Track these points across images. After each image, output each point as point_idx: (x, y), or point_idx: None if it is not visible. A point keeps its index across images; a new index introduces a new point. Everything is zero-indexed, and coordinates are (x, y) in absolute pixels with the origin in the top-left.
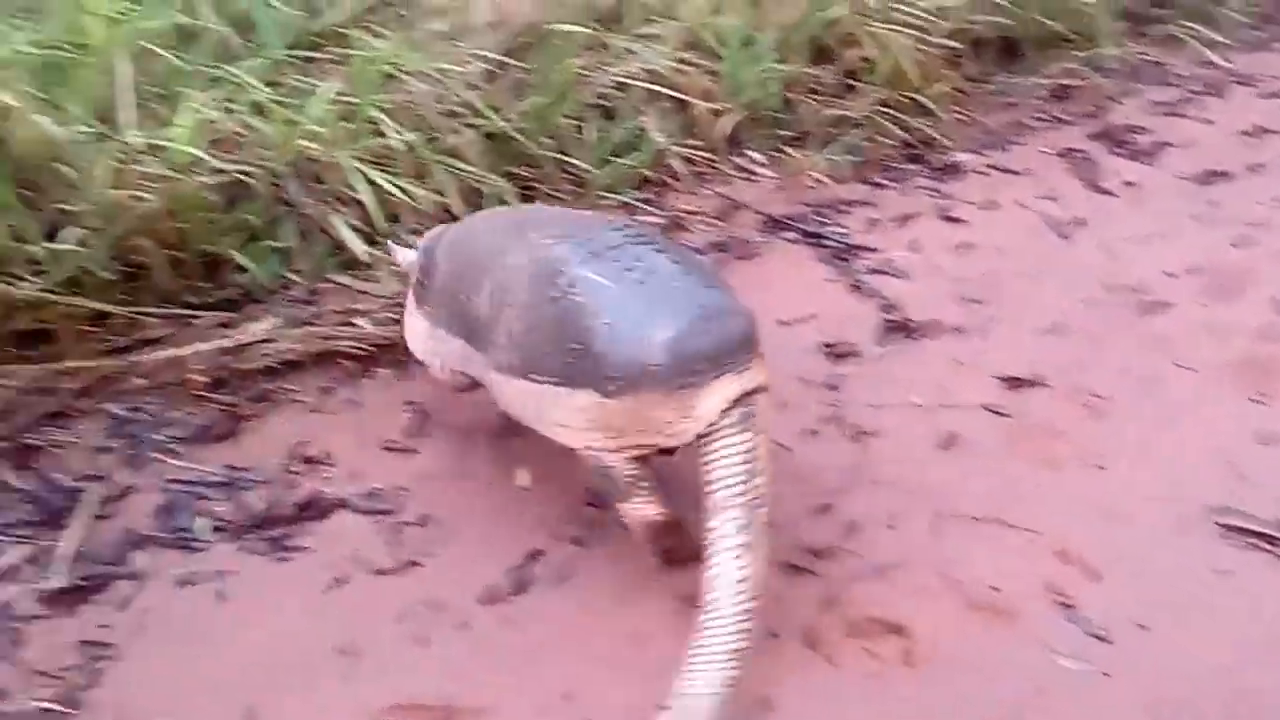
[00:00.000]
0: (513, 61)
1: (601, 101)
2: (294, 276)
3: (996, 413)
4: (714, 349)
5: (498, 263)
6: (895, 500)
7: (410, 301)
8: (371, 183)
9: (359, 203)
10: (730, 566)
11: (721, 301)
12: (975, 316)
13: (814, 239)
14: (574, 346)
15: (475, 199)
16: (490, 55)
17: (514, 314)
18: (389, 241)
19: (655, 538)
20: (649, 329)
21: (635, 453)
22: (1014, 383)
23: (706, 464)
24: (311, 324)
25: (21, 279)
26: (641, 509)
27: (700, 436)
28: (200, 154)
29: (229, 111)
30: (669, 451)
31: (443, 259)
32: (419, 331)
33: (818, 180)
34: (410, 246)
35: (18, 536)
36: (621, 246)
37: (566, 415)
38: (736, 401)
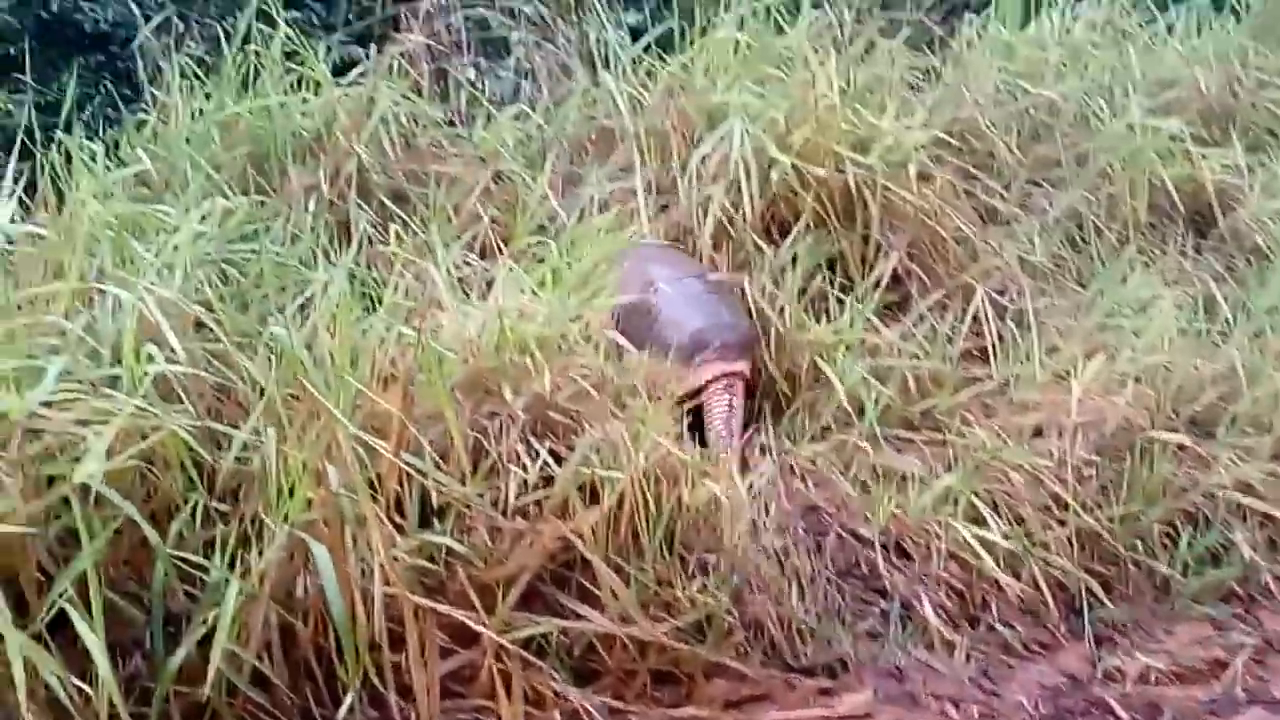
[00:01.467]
0: (1103, 461)
1: (1189, 508)
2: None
3: None
4: (716, 344)
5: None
6: None
7: None
8: (965, 568)
9: (948, 584)
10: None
11: (730, 319)
12: None
13: None
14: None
15: (1063, 593)
16: (1081, 454)
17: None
18: None
19: None
20: (684, 323)
21: None
22: None
23: (706, 412)
24: (912, 700)
25: (660, 620)
26: None
27: (698, 392)
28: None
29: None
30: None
31: None
32: None
33: None
34: None
35: None
36: (690, 279)
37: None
38: (722, 376)
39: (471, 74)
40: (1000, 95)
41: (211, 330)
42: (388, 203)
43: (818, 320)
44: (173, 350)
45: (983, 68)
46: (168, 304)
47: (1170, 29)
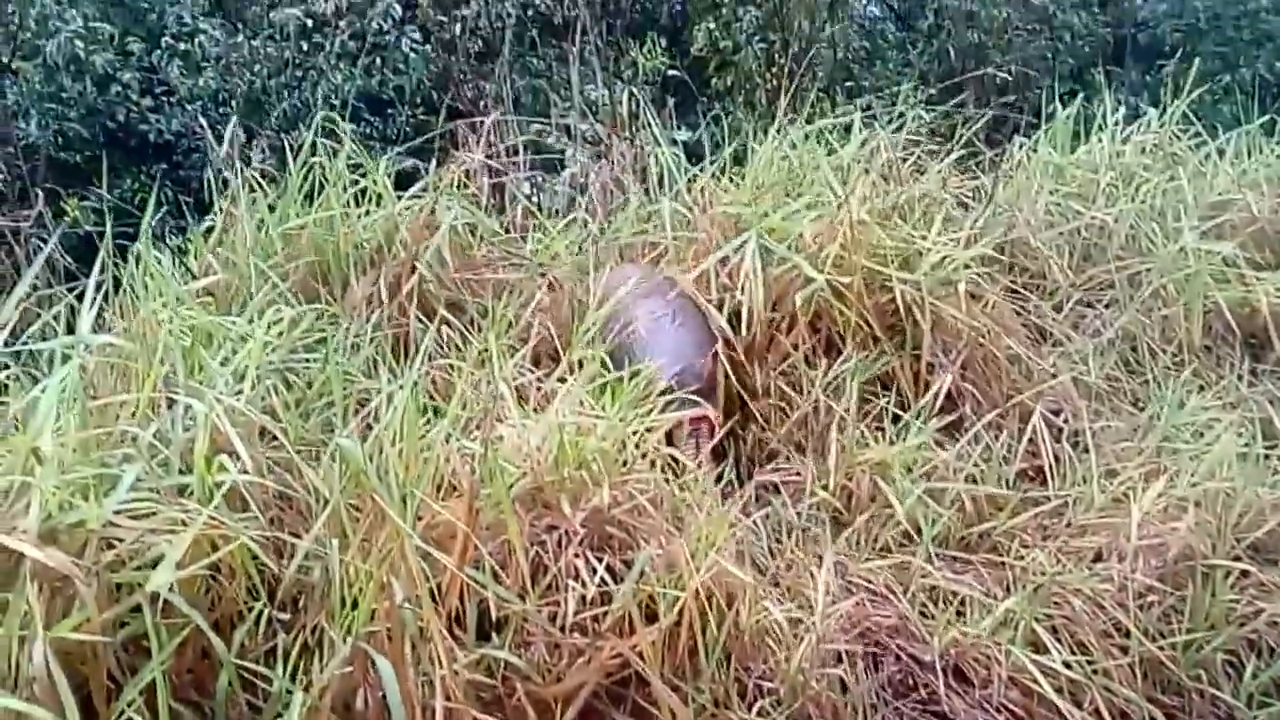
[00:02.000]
0: (1164, 587)
1: (1253, 637)
2: None
3: None
4: (681, 391)
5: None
6: None
7: None
8: (1026, 694)
9: (1009, 710)
10: None
11: (696, 365)
12: None
13: None
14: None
15: None
16: (1142, 579)
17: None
18: None
19: None
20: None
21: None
22: None
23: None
24: None
25: None
26: None
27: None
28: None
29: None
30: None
31: None
32: None
33: None
34: None
35: None
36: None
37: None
38: (689, 422)
39: (527, 188)
40: (1052, 216)
41: (276, 438)
42: (445, 313)
43: (873, 439)
44: (240, 459)
45: (1033, 189)
46: (236, 413)
47: (1221, 153)
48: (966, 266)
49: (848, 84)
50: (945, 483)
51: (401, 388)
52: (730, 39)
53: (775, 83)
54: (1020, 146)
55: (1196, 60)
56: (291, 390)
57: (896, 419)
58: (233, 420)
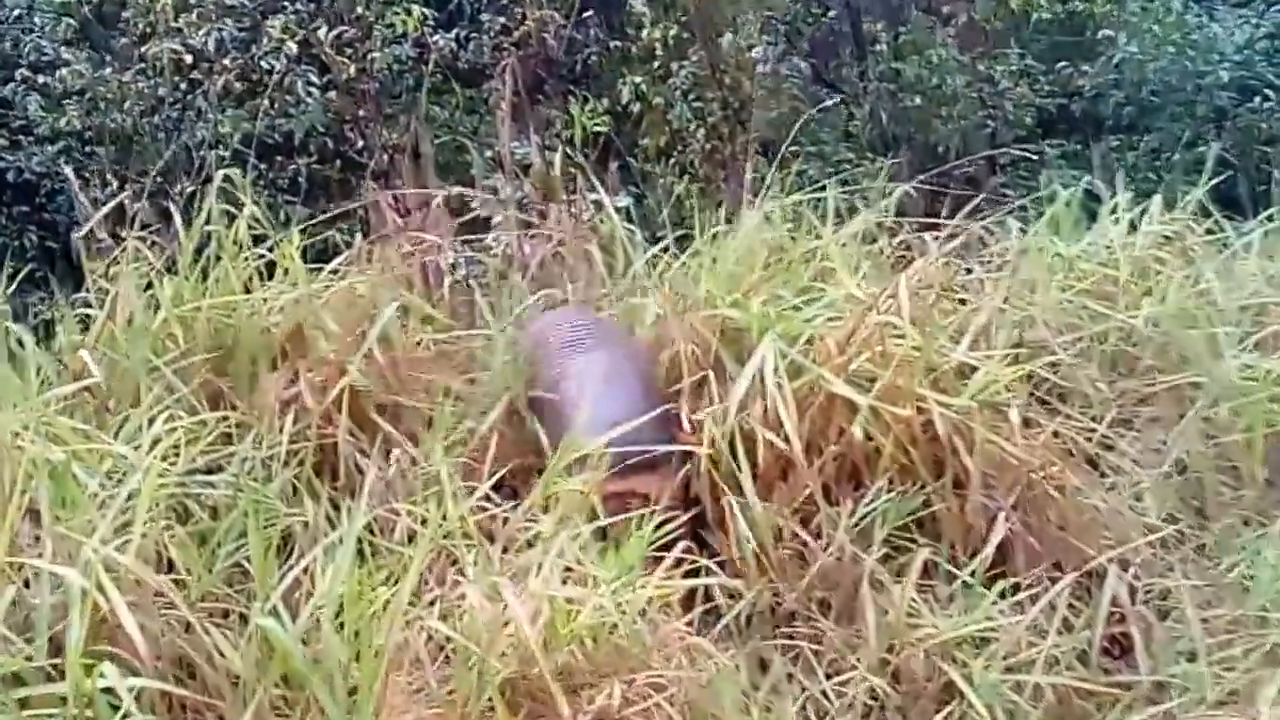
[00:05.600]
0: None
1: None
2: None
3: None
4: (613, 460)
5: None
6: None
7: None
8: None
9: None
10: None
11: (633, 434)
12: None
13: None
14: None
15: None
16: None
17: None
18: None
19: None
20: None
21: None
22: None
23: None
24: None
25: None
26: None
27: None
28: None
29: None
30: None
31: None
32: None
33: None
34: None
35: None
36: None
37: None
38: (615, 495)
39: (451, 258)
40: (1069, 317)
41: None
42: (379, 420)
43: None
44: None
45: (1041, 284)
46: (123, 573)
47: (1246, 247)
48: (1008, 388)
49: (793, 149)
50: (1026, 675)
51: (340, 541)
52: (662, 95)
53: (709, 144)
54: (1014, 234)
55: (1148, 136)
56: (192, 521)
57: (953, 576)
58: (118, 582)
